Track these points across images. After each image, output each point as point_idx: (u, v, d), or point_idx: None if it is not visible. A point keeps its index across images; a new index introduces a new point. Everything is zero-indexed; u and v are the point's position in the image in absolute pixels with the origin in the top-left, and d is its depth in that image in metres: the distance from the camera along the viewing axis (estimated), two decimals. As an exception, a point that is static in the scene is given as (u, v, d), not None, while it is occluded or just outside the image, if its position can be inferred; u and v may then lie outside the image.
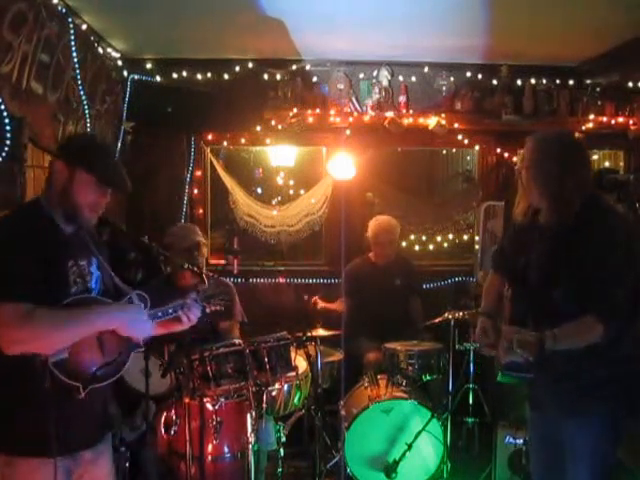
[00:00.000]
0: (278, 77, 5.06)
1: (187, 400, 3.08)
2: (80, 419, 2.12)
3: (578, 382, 2.32)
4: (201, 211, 5.32)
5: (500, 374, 2.39)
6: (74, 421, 2.09)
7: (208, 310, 2.59)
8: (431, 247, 6.03)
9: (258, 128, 5.06)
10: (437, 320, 4.28)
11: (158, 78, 5.00)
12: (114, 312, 2.12)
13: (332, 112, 5.00)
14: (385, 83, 5.10)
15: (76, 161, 2.10)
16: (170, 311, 2.31)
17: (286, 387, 3.48)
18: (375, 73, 5.12)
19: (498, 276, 2.73)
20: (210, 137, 5.21)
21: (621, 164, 5.44)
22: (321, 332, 4.03)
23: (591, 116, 5.07)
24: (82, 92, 3.85)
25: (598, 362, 2.28)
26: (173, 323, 2.37)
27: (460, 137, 5.23)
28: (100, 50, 4.22)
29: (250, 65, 5.02)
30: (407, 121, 5.01)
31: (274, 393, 3.40)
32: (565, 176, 2.28)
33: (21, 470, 2.00)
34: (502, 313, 2.67)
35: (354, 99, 5.08)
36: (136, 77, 4.93)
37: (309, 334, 3.80)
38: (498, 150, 5.32)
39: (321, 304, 4.57)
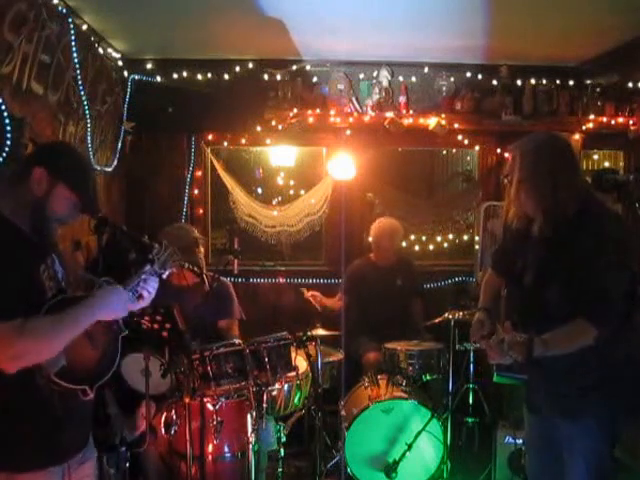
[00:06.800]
0: (278, 77, 5.06)
1: (187, 400, 3.07)
2: (81, 418, 2.13)
3: (574, 384, 2.31)
4: (201, 211, 5.32)
5: (496, 375, 2.38)
6: (79, 422, 2.10)
7: (168, 272, 2.46)
8: (431, 247, 6.03)
9: (258, 128, 5.06)
10: (437, 320, 4.28)
11: (158, 78, 5.00)
12: (97, 303, 2.01)
13: (332, 112, 5.00)
14: (385, 83, 5.09)
15: (61, 176, 1.97)
16: (138, 288, 2.20)
17: (286, 387, 3.47)
18: (375, 73, 5.13)
19: (496, 274, 2.74)
20: (210, 137, 5.21)
21: (621, 164, 5.44)
22: (321, 332, 4.03)
23: (591, 116, 5.07)
24: (82, 92, 3.85)
25: (594, 363, 2.27)
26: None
27: (460, 137, 5.23)
28: (100, 50, 4.22)
29: (250, 65, 5.02)
30: (407, 121, 5.01)
31: (274, 393, 3.39)
32: (558, 189, 2.27)
33: None
34: (499, 310, 2.68)
35: (354, 99, 5.08)
36: (136, 77, 4.93)
37: (309, 334, 3.79)
38: (498, 150, 5.32)
39: (317, 299, 4.58)
